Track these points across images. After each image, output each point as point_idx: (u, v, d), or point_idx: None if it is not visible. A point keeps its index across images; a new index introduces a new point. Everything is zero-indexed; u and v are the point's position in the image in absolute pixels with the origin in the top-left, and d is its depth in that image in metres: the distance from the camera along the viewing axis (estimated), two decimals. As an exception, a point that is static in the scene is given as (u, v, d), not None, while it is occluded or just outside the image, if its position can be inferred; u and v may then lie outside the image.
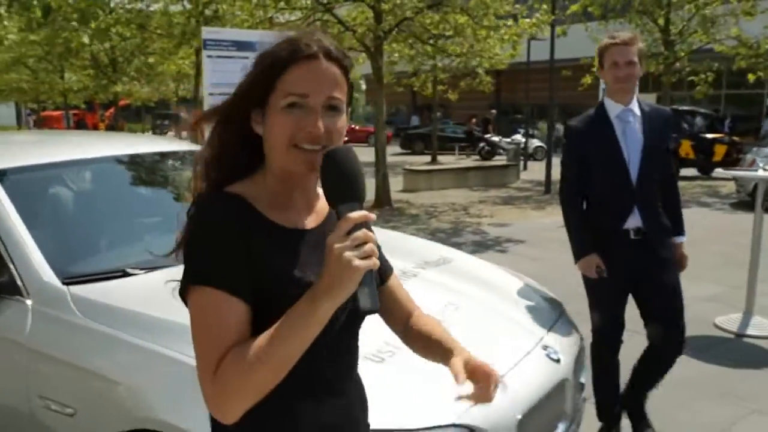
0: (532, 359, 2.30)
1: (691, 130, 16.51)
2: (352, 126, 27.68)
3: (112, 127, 25.26)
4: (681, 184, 3.45)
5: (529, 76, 21.50)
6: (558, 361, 2.37)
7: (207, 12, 13.25)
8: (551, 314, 2.75)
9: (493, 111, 27.74)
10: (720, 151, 15.92)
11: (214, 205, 1.14)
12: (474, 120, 25.55)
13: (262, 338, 1.03)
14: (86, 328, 2.17)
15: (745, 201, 11.30)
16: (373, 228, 1.06)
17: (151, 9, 15.67)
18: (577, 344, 2.63)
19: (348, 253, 0.98)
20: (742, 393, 3.98)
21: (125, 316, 2.18)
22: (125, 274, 2.42)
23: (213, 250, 1.09)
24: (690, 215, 10.35)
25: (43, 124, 32.48)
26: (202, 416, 1.84)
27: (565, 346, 2.50)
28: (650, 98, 18.38)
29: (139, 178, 2.91)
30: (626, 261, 3.08)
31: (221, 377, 1.03)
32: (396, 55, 14.99)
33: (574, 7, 15.11)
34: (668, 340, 3.14)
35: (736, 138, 17.04)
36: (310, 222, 1.23)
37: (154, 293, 2.35)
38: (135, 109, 35.20)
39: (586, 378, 2.85)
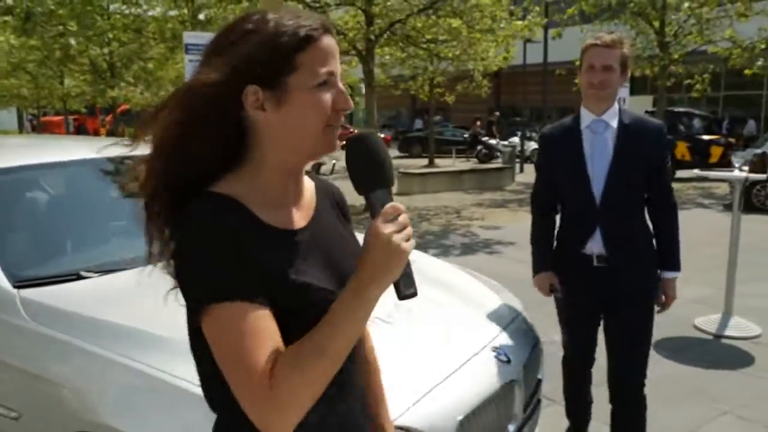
0: (479, 360, 2.29)
1: (687, 131, 16.47)
2: (351, 130, 27.65)
3: (113, 133, 25.29)
4: (676, 185, 3.24)
5: (526, 79, 21.51)
6: (508, 362, 2.36)
7: (200, 17, 13.31)
8: (507, 316, 2.73)
9: (497, 113, 27.63)
10: (716, 152, 15.85)
11: (205, 212, 1.04)
12: (478, 123, 25.52)
13: (309, 340, 1.00)
14: (34, 331, 2.18)
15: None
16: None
17: (149, 14, 15.76)
18: (529, 346, 2.62)
19: (397, 236, 0.99)
20: (714, 394, 3.97)
21: (75, 319, 2.18)
22: (79, 278, 2.44)
23: (218, 263, 1.01)
24: (686, 217, 10.28)
25: (43, 129, 32.56)
26: (153, 423, 1.86)
27: (517, 348, 2.49)
28: (647, 101, 18.37)
29: (98, 181, 2.91)
30: (589, 288, 2.81)
31: (280, 386, 0.97)
32: (387, 57, 15.00)
33: (570, 11, 15.12)
34: (625, 385, 2.89)
35: (732, 139, 17.00)
36: (301, 220, 1.17)
37: (106, 296, 2.36)
38: (136, 114, 35.28)
39: (544, 375, 2.83)
